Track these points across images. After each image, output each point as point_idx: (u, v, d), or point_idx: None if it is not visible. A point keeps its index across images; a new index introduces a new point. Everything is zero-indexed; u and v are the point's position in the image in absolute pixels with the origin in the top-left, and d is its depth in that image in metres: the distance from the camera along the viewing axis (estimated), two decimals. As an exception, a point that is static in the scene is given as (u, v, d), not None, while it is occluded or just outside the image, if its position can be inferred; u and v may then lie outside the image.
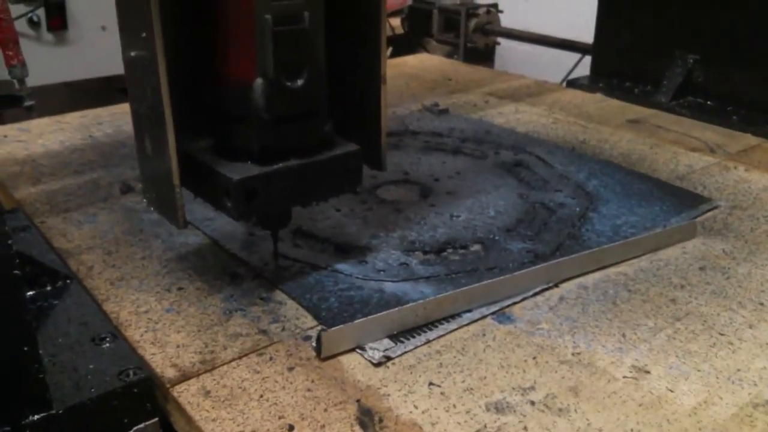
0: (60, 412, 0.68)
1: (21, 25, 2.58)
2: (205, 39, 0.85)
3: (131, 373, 0.73)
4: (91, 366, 0.74)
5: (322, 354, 0.80)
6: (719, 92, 1.76)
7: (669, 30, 1.85)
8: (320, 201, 0.93)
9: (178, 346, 0.83)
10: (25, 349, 0.64)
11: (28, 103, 2.16)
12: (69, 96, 2.96)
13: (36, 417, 0.66)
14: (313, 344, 0.82)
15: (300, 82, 0.82)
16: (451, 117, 1.64)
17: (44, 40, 2.69)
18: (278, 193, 0.86)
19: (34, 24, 2.65)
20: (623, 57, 1.96)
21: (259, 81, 0.81)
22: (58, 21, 2.68)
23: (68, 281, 0.90)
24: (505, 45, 2.64)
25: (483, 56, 2.41)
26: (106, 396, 0.71)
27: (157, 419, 0.76)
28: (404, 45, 3.11)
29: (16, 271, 0.62)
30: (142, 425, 0.74)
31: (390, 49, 3.48)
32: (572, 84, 2.02)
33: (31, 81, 2.44)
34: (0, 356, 0.63)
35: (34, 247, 0.97)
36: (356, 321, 0.82)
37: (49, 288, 0.88)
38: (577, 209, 1.17)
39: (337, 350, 0.81)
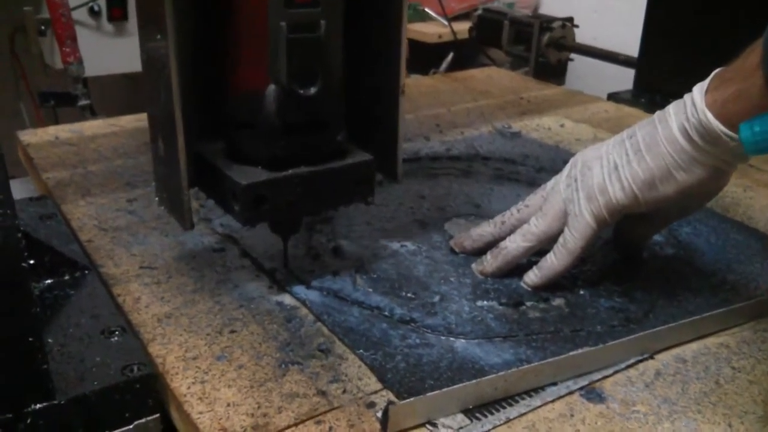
0: (62, 402, 0.67)
1: (81, 14, 2.55)
2: (221, 42, 0.84)
3: (135, 368, 0.73)
4: (97, 359, 0.74)
5: (388, 430, 0.70)
6: None
7: (714, 49, 1.73)
8: (331, 209, 0.95)
9: (228, 405, 0.74)
10: (30, 339, 0.64)
11: (82, 102, 2.10)
12: (126, 88, 2.93)
13: (38, 406, 0.66)
14: (378, 415, 0.73)
15: (313, 90, 0.81)
16: (524, 141, 1.53)
17: (104, 30, 2.65)
18: (287, 200, 0.85)
19: (94, 13, 2.61)
20: (667, 74, 1.87)
21: (271, 87, 0.80)
22: (119, 11, 2.65)
23: (86, 272, 0.90)
24: (576, 58, 2.52)
25: (554, 71, 2.30)
26: (108, 389, 0.70)
27: (158, 415, 0.74)
28: (467, 53, 3.00)
29: (23, 264, 0.62)
30: (143, 420, 0.73)
31: (451, 54, 3.37)
32: (613, 98, 1.95)
33: (90, 71, 2.40)
34: (5, 346, 0.63)
35: (57, 237, 0.96)
36: (429, 394, 0.72)
37: (66, 277, 0.88)
38: (670, 261, 1.05)
39: (405, 425, 0.71)
